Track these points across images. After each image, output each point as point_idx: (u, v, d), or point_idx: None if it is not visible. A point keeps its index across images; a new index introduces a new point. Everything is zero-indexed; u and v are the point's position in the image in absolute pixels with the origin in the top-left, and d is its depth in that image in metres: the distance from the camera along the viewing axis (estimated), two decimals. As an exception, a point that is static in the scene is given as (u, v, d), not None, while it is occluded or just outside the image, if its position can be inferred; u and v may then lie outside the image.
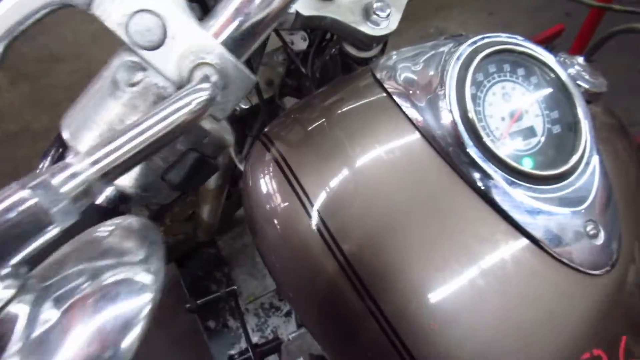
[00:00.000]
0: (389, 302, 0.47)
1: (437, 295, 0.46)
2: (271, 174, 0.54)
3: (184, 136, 0.39)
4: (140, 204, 0.41)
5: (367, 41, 0.70)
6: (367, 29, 0.68)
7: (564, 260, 0.48)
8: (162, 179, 0.41)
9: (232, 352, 1.46)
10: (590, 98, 0.62)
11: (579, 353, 0.49)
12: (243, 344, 1.29)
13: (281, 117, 0.60)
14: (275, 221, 0.53)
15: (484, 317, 0.46)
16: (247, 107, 0.85)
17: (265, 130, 0.59)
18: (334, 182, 0.50)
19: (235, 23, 0.41)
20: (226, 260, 1.58)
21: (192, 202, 1.21)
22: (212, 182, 1.08)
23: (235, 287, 1.13)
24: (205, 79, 0.37)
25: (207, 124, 0.41)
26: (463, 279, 0.47)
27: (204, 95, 0.36)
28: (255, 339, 1.44)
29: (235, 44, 0.41)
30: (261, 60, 0.80)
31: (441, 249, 0.47)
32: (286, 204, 0.52)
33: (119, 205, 0.38)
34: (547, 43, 2.40)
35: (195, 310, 1.12)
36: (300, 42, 0.91)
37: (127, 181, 0.38)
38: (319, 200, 0.50)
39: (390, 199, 0.49)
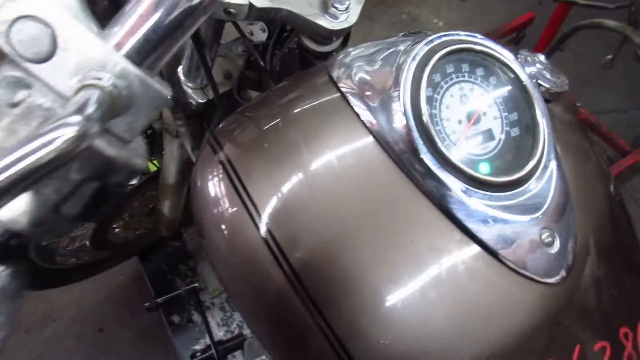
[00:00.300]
0: (338, 317, 0.45)
1: (389, 309, 0.44)
2: (218, 178, 0.51)
3: (79, 165, 0.34)
4: (37, 238, 0.37)
5: (326, 35, 0.67)
6: (325, 22, 0.65)
7: (519, 269, 0.47)
8: (56, 213, 0.35)
9: (197, 347, 1.44)
10: (551, 97, 0.61)
11: None
12: (208, 339, 1.27)
13: (231, 117, 0.57)
14: (222, 227, 0.50)
15: (437, 330, 0.45)
16: (203, 101, 0.82)
17: (214, 131, 0.56)
18: (282, 190, 0.48)
19: (142, 31, 0.35)
20: (191, 253, 1.54)
21: (152, 196, 1.17)
22: (172, 177, 1.04)
23: (197, 285, 1.10)
24: (81, 109, 0.30)
25: (110, 150, 0.35)
26: (415, 292, 0.45)
27: (69, 132, 0.29)
28: (220, 333, 1.41)
29: (143, 55, 0.36)
30: (217, 52, 0.76)
31: (393, 260, 0.45)
32: (232, 211, 0.49)
33: (11, 239, 0.34)
34: (518, 31, 2.41)
35: (155, 309, 1.09)
36: (259, 33, 0.87)
37: (12, 215, 0.33)
38: (266, 208, 0.47)
39: (340, 209, 0.47)
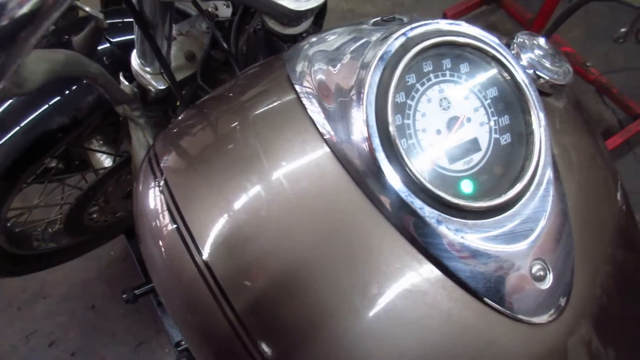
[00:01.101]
0: None
1: (347, 363, 0.38)
2: (154, 202, 0.44)
3: None
4: None
5: (292, 15, 0.57)
6: (288, 1, 0.55)
7: (503, 310, 0.40)
8: None
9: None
10: (551, 90, 0.52)
11: None
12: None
13: (173, 125, 0.49)
14: (159, 246, 0.43)
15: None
16: (163, 87, 0.73)
17: (153, 143, 0.48)
18: (223, 220, 0.41)
19: None
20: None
21: (128, 180, 1.10)
22: (143, 163, 0.97)
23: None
24: None
25: None
26: (382, 343, 0.38)
27: None
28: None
29: None
30: (171, 32, 0.67)
31: (354, 305, 0.38)
32: (169, 242, 0.42)
33: None
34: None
35: (133, 300, 1.05)
36: (223, 8, 0.77)
37: None
38: (205, 242, 0.40)
39: (291, 243, 0.40)
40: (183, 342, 1.12)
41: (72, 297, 1.69)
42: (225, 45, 0.69)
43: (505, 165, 0.43)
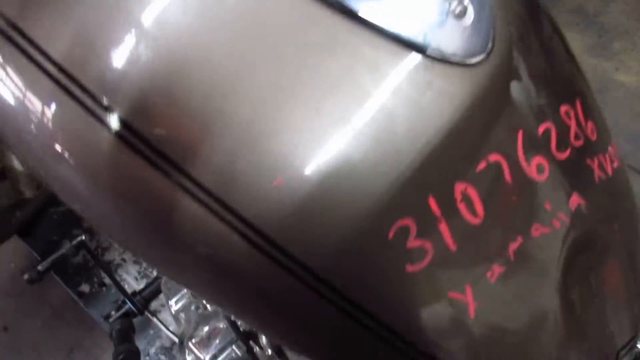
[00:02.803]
0: (202, 168, 0.31)
1: (272, 139, 0.32)
2: (16, 65, 0.33)
3: None
4: None
5: None
6: None
7: (432, 54, 0.36)
8: None
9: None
10: None
11: (474, 162, 0.38)
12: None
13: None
14: (36, 129, 0.33)
15: (350, 152, 0.33)
16: None
17: None
18: (97, 37, 0.32)
19: None
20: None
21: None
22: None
23: (83, 237, 0.92)
24: None
25: None
26: (300, 105, 0.32)
27: None
28: (141, 286, 1.26)
29: None
30: None
31: (265, 76, 0.32)
32: (37, 96, 0.32)
33: None
34: None
35: (37, 278, 0.90)
36: None
37: None
38: (82, 71, 0.31)
39: (191, 41, 0.32)
40: (113, 312, 1.00)
41: (-23, 324, 1.47)
42: None
43: None
